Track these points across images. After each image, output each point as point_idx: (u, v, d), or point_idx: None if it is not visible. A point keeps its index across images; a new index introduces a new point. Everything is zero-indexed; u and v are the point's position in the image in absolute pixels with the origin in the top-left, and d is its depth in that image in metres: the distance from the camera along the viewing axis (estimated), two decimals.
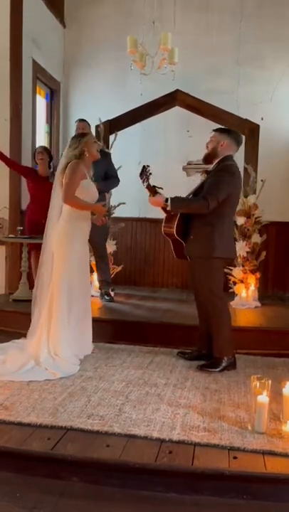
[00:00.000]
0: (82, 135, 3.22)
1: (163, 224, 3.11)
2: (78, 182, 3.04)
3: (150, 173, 2.99)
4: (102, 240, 4.45)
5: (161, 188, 3.02)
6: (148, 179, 2.98)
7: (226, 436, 2.07)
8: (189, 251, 3.07)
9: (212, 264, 2.99)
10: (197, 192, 3.04)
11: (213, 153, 3.03)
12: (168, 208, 2.97)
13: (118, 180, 4.39)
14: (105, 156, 4.38)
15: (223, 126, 3.32)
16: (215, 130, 3.11)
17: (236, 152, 3.11)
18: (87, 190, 3.11)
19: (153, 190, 2.98)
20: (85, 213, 3.15)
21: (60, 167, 3.12)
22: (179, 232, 3.03)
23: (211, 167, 3.08)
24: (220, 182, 2.91)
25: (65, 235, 3.07)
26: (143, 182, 2.99)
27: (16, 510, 1.64)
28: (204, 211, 2.89)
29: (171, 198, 2.94)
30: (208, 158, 3.08)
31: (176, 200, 2.95)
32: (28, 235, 4.36)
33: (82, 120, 4.47)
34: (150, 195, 3.00)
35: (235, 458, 1.91)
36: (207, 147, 3.08)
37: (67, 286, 3.03)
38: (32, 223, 4.38)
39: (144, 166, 3.01)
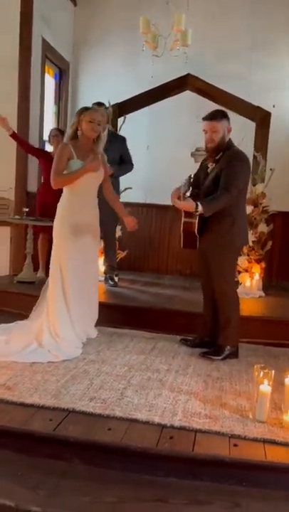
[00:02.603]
0: (81, 110, 3.05)
1: (183, 220, 2.94)
2: (64, 164, 2.97)
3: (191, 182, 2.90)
4: (112, 226, 4.42)
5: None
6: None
7: (227, 424, 2.08)
8: (207, 242, 2.96)
9: (231, 253, 2.98)
10: (202, 182, 2.93)
11: (222, 143, 2.91)
12: (198, 213, 2.82)
13: (132, 166, 4.33)
14: (121, 140, 4.32)
15: (212, 111, 3.01)
16: (210, 119, 2.89)
17: None
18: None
19: (182, 197, 2.86)
20: (84, 199, 3.06)
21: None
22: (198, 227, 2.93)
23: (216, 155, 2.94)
24: (237, 172, 2.84)
25: (60, 220, 3.04)
26: (184, 194, 2.84)
27: (18, 490, 1.66)
28: (232, 203, 2.85)
29: (202, 203, 2.80)
30: (217, 150, 2.92)
31: (206, 204, 2.81)
32: (38, 216, 4.35)
33: (98, 104, 4.12)
34: (178, 200, 2.85)
35: (235, 445, 1.92)
36: (212, 140, 2.90)
37: (59, 269, 3.00)
38: (43, 205, 4.36)
39: (189, 176, 2.91)
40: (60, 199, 3.09)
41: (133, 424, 2.04)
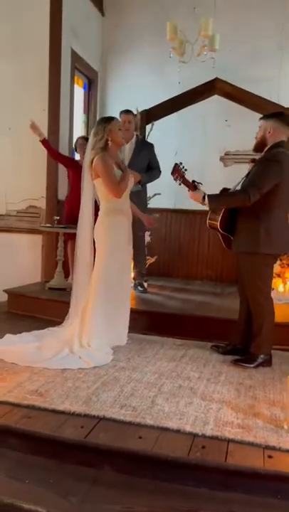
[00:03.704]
0: (106, 120, 3.07)
1: (208, 216, 3.00)
2: (114, 172, 3.00)
3: (185, 170, 2.89)
4: (142, 232, 4.44)
5: (201, 184, 2.91)
6: (183, 176, 2.88)
7: (261, 434, 2.03)
8: (235, 245, 2.96)
9: (259, 260, 2.86)
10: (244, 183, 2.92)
11: (262, 141, 2.89)
12: (206, 206, 2.87)
13: (160, 172, 4.33)
14: (149, 147, 4.34)
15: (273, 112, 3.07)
16: (261, 118, 2.96)
17: None
18: None
19: (192, 186, 2.89)
20: (124, 208, 3.12)
21: (88, 160, 3.04)
22: (224, 225, 2.93)
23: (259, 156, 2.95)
24: (264, 172, 2.77)
25: (105, 228, 3.06)
26: (175, 179, 2.89)
27: (50, 496, 1.67)
28: (246, 204, 2.76)
29: (208, 196, 2.83)
30: (258, 148, 2.94)
31: (213, 197, 2.85)
32: (65, 224, 4.41)
33: (127, 112, 4.24)
34: (189, 190, 2.90)
35: (270, 457, 1.86)
36: (256, 137, 2.94)
37: (107, 279, 3.04)
38: (70, 213, 4.42)
39: (175, 164, 2.90)
40: (102, 215, 3.08)
41: (164, 432, 2.01)
